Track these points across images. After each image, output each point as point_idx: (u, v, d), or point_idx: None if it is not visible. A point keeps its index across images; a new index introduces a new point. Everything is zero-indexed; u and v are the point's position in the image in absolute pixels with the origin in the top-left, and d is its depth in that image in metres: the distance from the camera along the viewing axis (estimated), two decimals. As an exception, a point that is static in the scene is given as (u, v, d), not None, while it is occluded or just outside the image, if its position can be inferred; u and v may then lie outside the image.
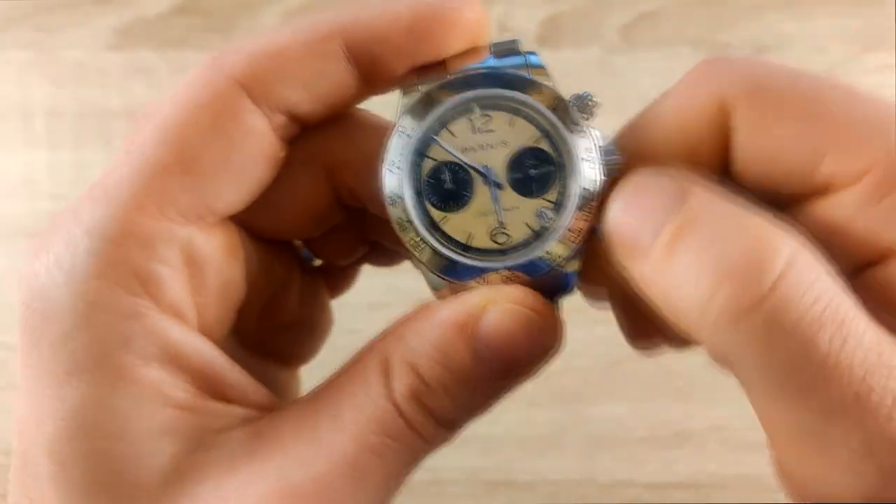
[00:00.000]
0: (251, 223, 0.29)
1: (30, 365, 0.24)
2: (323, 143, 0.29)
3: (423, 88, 0.27)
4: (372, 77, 0.27)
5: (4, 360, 0.58)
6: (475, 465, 0.57)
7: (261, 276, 0.30)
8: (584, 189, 0.26)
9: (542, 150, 0.27)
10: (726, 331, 0.21)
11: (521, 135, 0.27)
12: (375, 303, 0.54)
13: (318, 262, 0.36)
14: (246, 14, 0.63)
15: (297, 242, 0.34)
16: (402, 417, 0.24)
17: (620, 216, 0.24)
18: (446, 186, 0.26)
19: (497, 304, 0.25)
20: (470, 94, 0.26)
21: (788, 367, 0.20)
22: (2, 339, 0.58)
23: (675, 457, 0.57)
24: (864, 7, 0.62)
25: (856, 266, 0.24)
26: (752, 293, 0.20)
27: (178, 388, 0.25)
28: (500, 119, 0.27)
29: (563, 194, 0.26)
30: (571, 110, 0.26)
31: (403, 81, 0.27)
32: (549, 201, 0.26)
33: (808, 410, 0.20)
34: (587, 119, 0.26)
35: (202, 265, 0.26)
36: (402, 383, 0.24)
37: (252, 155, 0.26)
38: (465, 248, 0.26)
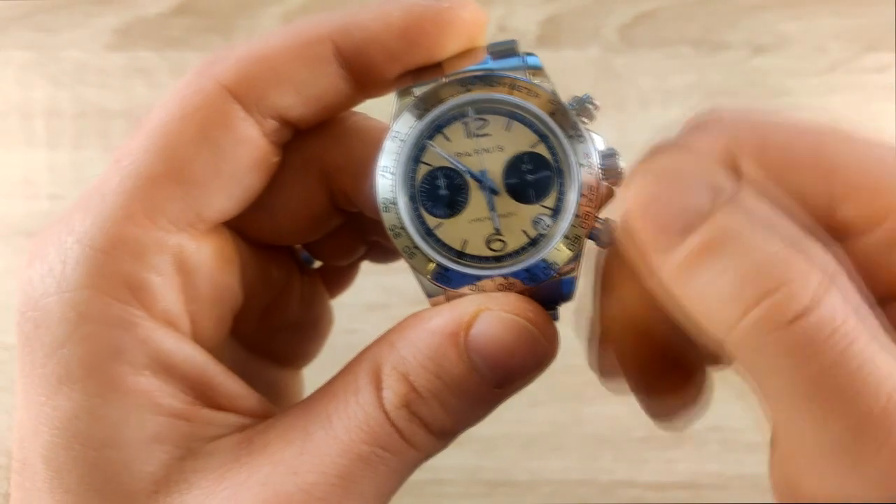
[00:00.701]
0: (246, 229, 0.29)
1: (25, 373, 0.25)
2: (317, 147, 0.29)
3: (417, 92, 0.26)
4: (365, 80, 0.27)
5: (4, 361, 0.58)
6: (475, 465, 0.57)
7: (258, 281, 0.30)
8: (583, 196, 0.25)
9: (539, 156, 0.26)
10: (760, 341, 0.21)
11: (518, 139, 0.26)
12: (374, 303, 0.54)
13: (317, 264, 0.36)
14: (245, 14, 0.63)
15: (297, 245, 0.34)
16: (393, 427, 0.24)
17: (650, 203, 0.22)
18: (441, 192, 0.26)
19: (490, 312, 0.24)
20: (465, 97, 0.26)
21: (818, 381, 0.20)
22: (1, 340, 0.58)
23: (675, 457, 0.57)
24: (864, 7, 0.62)
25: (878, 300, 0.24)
26: (786, 310, 0.20)
27: (169, 396, 0.25)
28: (496, 123, 0.26)
29: (561, 201, 0.26)
30: (570, 114, 0.26)
31: (398, 84, 0.27)
32: (546, 208, 0.26)
33: (837, 426, 0.20)
34: (587, 123, 0.26)
35: (194, 273, 0.26)
36: (392, 392, 0.24)
37: (243, 162, 0.26)
38: (460, 255, 0.26)
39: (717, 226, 0.21)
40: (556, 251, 0.25)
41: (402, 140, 0.26)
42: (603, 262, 0.27)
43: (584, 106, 0.26)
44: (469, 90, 0.26)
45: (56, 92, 0.63)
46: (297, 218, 0.30)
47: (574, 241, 0.25)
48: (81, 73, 0.63)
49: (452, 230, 0.26)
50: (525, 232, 0.26)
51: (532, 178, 0.26)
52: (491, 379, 0.24)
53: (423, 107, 0.26)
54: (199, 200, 0.25)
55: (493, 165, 0.26)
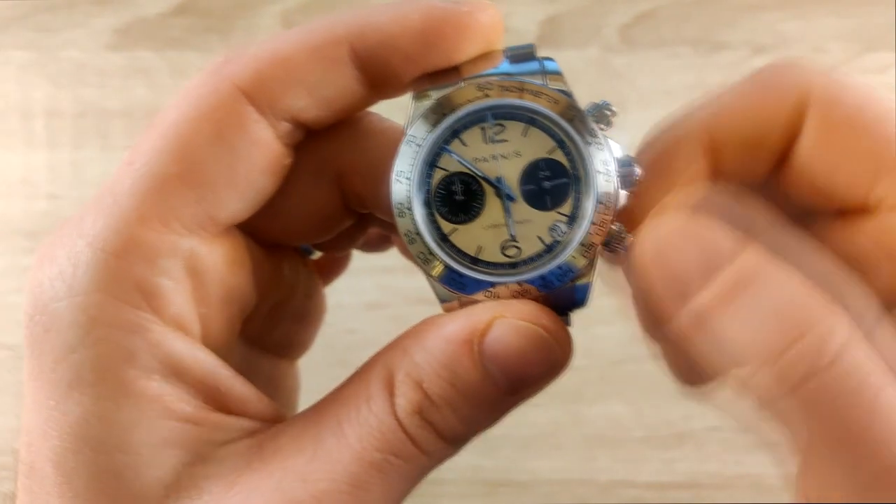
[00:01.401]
0: (258, 230, 0.28)
1: (34, 376, 0.24)
2: (330, 149, 0.28)
3: (434, 95, 0.26)
4: (380, 83, 0.26)
5: (3, 361, 0.58)
6: (475, 465, 0.57)
7: (268, 282, 0.30)
8: (600, 203, 0.25)
9: (556, 162, 0.26)
10: (783, 391, 0.21)
11: (536, 145, 0.26)
12: (374, 303, 0.54)
13: (317, 255, 0.35)
14: (245, 14, 0.63)
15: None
16: (406, 434, 0.24)
17: (671, 248, 0.22)
18: (457, 197, 0.26)
19: (504, 319, 0.24)
20: (483, 103, 0.26)
21: (847, 430, 0.20)
22: (1, 340, 0.58)
23: (675, 457, 0.57)
24: (864, 7, 0.62)
25: (886, 297, 0.24)
26: (815, 358, 0.20)
27: (180, 401, 0.25)
28: (513, 129, 0.26)
29: (577, 208, 0.26)
30: (588, 120, 0.25)
31: (414, 87, 0.27)
32: (562, 215, 0.26)
33: (866, 473, 0.20)
34: (604, 129, 0.26)
35: (205, 276, 0.26)
36: (405, 399, 0.24)
37: (256, 164, 0.26)
38: (475, 261, 0.26)
39: (739, 271, 0.21)
40: (572, 258, 0.25)
41: (418, 144, 0.26)
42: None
43: (601, 112, 0.26)
44: (487, 95, 0.26)
45: (56, 92, 0.63)
46: (308, 219, 0.30)
47: (589, 248, 0.25)
48: (81, 73, 0.63)
49: (467, 236, 0.26)
50: (541, 238, 0.26)
51: (549, 184, 0.26)
52: (504, 386, 0.24)
53: (439, 111, 0.26)
54: (212, 203, 0.25)
55: (510, 171, 0.26)
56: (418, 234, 0.25)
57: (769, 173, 0.27)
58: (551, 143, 0.26)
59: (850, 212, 0.26)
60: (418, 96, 0.26)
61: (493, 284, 0.25)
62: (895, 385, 0.21)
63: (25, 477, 0.25)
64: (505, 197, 0.26)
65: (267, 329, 0.32)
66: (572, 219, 0.26)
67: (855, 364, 0.20)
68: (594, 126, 0.26)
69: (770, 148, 0.26)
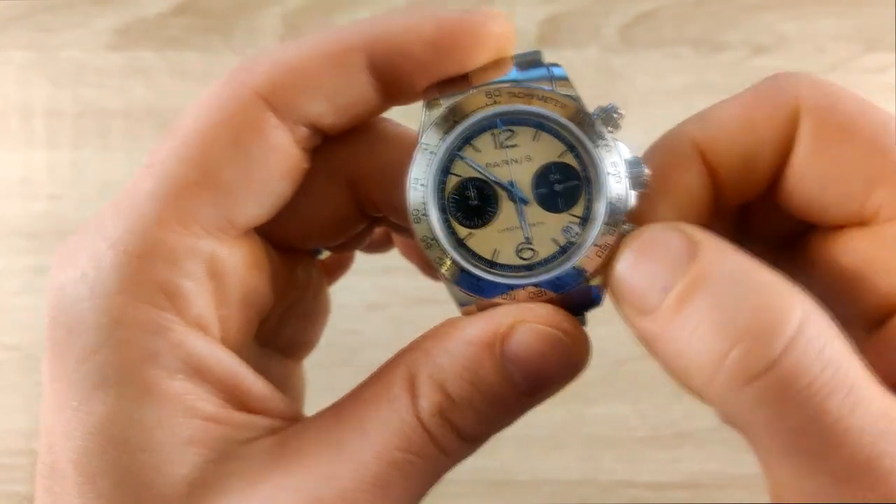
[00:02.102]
0: (274, 234, 0.29)
1: (57, 377, 0.25)
2: (346, 154, 0.29)
3: (445, 103, 0.27)
4: (394, 90, 0.27)
5: (4, 361, 0.58)
6: (475, 465, 0.56)
7: (285, 284, 0.31)
8: (611, 204, 0.26)
9: (567, 165, 0.26)
10: (736, 394, 0.21)
11: (546, 149, 0.26)
12: (374, 303, 0.54)
13: (325, 255, 0.36)
14: (245, 14, 0.63)
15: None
16: (428, 434, 0.24)
17: (628, 272, 0.24)
18: (471, 203, 0.26)
19: (526, 324, 0.25)
20: (493, 109, 0.26)
21: (799, 432, 0.20)
22: (1, 340, 0.58)
23: (675, 457, 0.57)
24: (864, 7, 0.62)
25: (882, 308, 0.24)
26: (762, 358, 0.20)
27: (203, 400, 0.25)
28: (523, 134, 0.26)
29: (589, 209, 0.26)
30: (596, 124, 0.26)
31: (426, 94, 0.27)
32: (575, 216, 0.26)
33: (820, 476, 0.20)
34: (612, 132, 0.26)
35: (225, 278, 0.26)
36: (428, 400, 0.24)
37: (275, 170, 0.26)
38: (491, 265, 0.26)
39: (692, 275, 0.22)
40: (586, 259, 0.26)
41: (431, 152, 0.26)
42: None
43: (609, 115, 0.26)
44: (496, 101, 0.26)
45: (56, 92, 0.63)
46: (324, 223, 0.30)
47: (603, 248, 0.26)
48: (81, 73, 0.63)
49: (483, 240, 0.26)
50: (555, 240, 0.26)
51: (560, 187, 0.26)
52: (525, 388, 0.25)
53: (451, 118, 0.26)
54: (231, 207, 0.26)
55: (522, 175, 0.26)
56: (435, 239, 0.26)
57: (766, 187, 0.27)
58: (561, 147, 0.26)
59: (845, 224, 0.26)
60: (430, 104, 0.27)
61: (510, 287, 0.26)
62: (850, 381, 0.21)
63: (45, 478, 0.25)
64: (518, 200, 0.26)
65: (279, 329, 0.32)
66: (585, 220, 0.26)
67: (804, 363, 0.20)
68: (602, 129, 0.26)
69: (765, 161, 0.26)
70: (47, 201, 0.62)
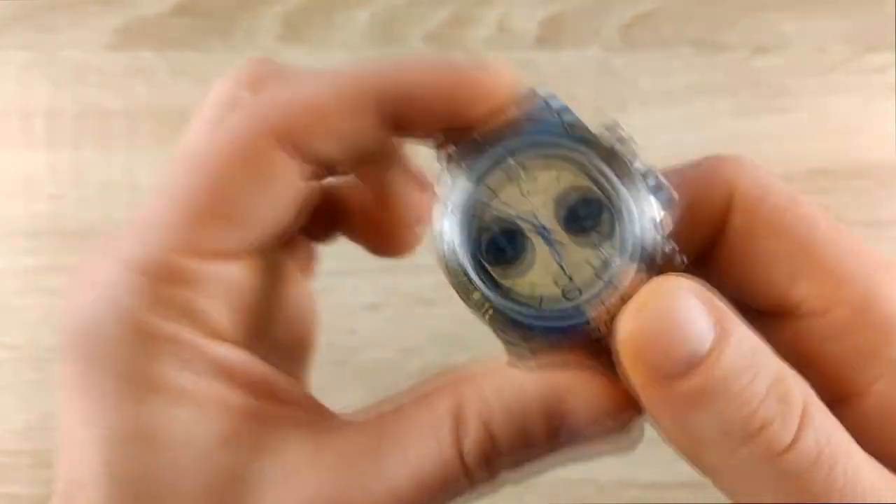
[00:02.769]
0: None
1: (79, 393, 0.25)
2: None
3: (452, 150, 0.26)
4: (399, 133, 0.27)
5: (4, 361, 0.58)
6: (475, 466, 0.57)
7: (295, 296, 0.32)
8: (643, 230, 0.25)
9: (586, 188, 0.26)
10: (749, 473, 0.23)
11: (562, 177, 0.26)
12: (374, 303, 0.54)
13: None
14: (246, 15, 0.63)
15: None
16: (464, 469, 0.25)
17: (649, 330, 0.23)
18: (502, 247, 0.26)
19: (583, 392, 0.25)
20: (502, 146, 0.26)
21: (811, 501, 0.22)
22: (1, 340, 0.58)
23: (675, 457, 0.57)
24: (864, 7, 0.62)
25: (829, 398, 0.25)
26: (775, 445, 0.22)
27: (235, 396, 0.25)
28: (535, 164, 0.26)
29: (615, 229, 0.26)
30: (620, 153, 0.25)
31: (433, 141, 0.27)
32: (610, 248, 0.26)
33: None
34: (622, 147, 0.26)
35: (240, 296, 0.27)
36: (472, 439, 0.25)
37: (283, 202, 0.27)
38: (538, 309, 0.26)
39: (713, 372, 0.22)
40: (624, 273, 0.25)
41: (451, 204, 0.26)
42: None
43: (616, 133, 0.26)
44: (501, 140, 0.26)
45: (56, 92, 0.63)
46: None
47: (647, 267, 0.25)
48: (81, 73, 0.63)
49: (524, 285, 0.26)
50: (590, 263, 0.26)
51: (583, 212, 0.26)
52: (566, 445, 0.26)
53: (462, 164, 0.26)
54: (241, 235, 0.27)
55: (543, 207, 0.26)
56: (475, 288, 0.25)
57: (703, 265, 0.27)
58: (576, 172, 0.26)
59: (772, 312, 0.26)
60: (439, 154, 0.27)
61: (560, 329, 0.25)
62: (845, 453, 0.22)
63: (66, 496, 0.25)
64: (543, 232, 0.26)
65: (285, 337, 0.33)
66: (612, 238, 0.26)
67: (811, 445, 0.22)
68: (626, 154, 0.26)
69: (700, 240, 0.27)
70: (48, 201, 0.62)
